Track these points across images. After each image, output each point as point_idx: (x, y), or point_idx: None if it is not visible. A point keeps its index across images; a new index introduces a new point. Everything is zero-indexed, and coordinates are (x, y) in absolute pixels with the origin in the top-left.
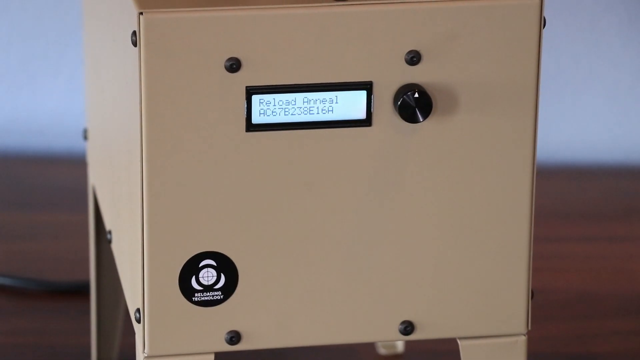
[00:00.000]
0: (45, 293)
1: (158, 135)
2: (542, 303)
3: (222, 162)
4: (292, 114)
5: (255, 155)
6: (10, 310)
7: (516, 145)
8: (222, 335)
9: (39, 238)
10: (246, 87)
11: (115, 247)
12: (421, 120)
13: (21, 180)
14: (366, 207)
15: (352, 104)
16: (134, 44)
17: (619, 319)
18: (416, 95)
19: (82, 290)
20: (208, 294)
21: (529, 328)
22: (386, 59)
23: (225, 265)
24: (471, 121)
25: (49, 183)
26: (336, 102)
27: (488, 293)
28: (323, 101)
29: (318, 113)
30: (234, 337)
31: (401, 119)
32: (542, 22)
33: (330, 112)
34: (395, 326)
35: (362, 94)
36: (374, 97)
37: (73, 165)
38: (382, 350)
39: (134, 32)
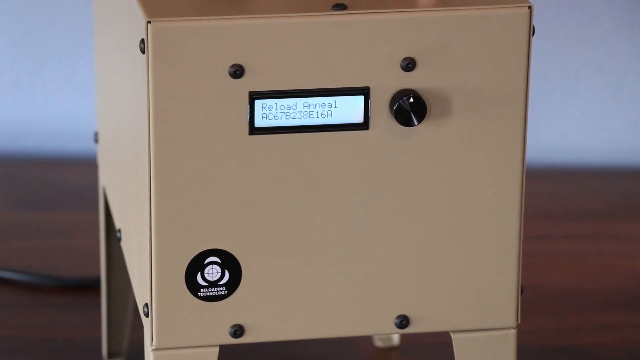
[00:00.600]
0: (58, 288)
1: (165, 138)
2: (530, 298)
3: (226, 163)
4: (293, 118)
5: (257, 158)
6: (25, 304)
7: (506, 147)
8: (227, 328)
9: (52, 236)
10: (249, 92)
11: (125, 244)
12: (416, 124)
13: (35, 181)
14: (364, 207)
15: (350, 109)
16: (142, 51)
17: (603, 313)
18: (411, 100)
19: (93, 286)
20: (213, 289)
21: (519, 322)
22: (382, 66)
23: (229, 262)
24: (464, 125)
25: (62, 184)
26: (335, 107)
27: (480, 288)
28: (322, 106)
29: (318, 117)
30: (238, 331)
31: (397, 123)
32: (532, 31)
33: (329, 116)
34: (391, 320)
35: (360, 99)
36: (371, 102)
37: (84, 167)
38: (379, 343)
39: (142, 40)
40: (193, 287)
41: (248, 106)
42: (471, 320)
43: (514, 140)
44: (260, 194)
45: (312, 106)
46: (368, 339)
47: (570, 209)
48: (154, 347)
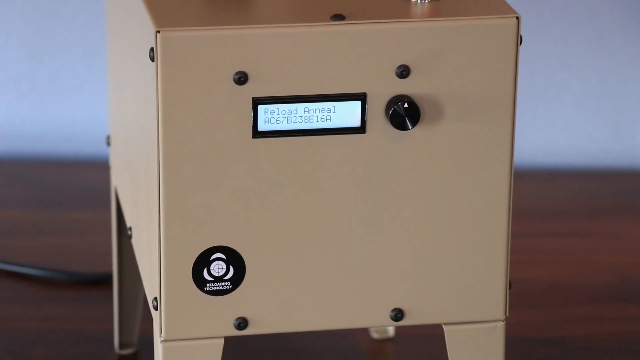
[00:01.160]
0: (73, 283)
1: (173, 141)
2: (518, 292)
3: (231, 165)
4: (294, 122)
5: (260, 160)
6: (42, 298)
7: (495, 150)
8: (231, 321)
9: (68, 234)
10: (253, 98)
11: (135, 242)
12: (410, 128)
13: (52, 182)
14: (361, 206)
15: (348, 113)
16: (152, 59)
17: (586, 306)
18: (406, 105)
19: (105, 281)
20: (218, 284)
21: (507, 314)
22: (378, 73)
23: (233, 258)
24: (455, 129)
25: (76, 185)
26: (334, 112)
27: (470, 283)
28: (322, 110)
29: (317, 121)
30: (242, 323)
31: (392, 127)
32: (519, 40)
33: (328, 121)
34: (387, 313)
35: (357, 104)
36: (367, 107)
37: (97, 169)
38: (375, 335)
39: (152, 49)
40: (199, 281)
41: (251, 111)
42: (462, 313)
43: (502, 143)
44: (263, 194)
45: (312, 111)
46: (365, 331)
47: (555, 208)
48: (162, 339)
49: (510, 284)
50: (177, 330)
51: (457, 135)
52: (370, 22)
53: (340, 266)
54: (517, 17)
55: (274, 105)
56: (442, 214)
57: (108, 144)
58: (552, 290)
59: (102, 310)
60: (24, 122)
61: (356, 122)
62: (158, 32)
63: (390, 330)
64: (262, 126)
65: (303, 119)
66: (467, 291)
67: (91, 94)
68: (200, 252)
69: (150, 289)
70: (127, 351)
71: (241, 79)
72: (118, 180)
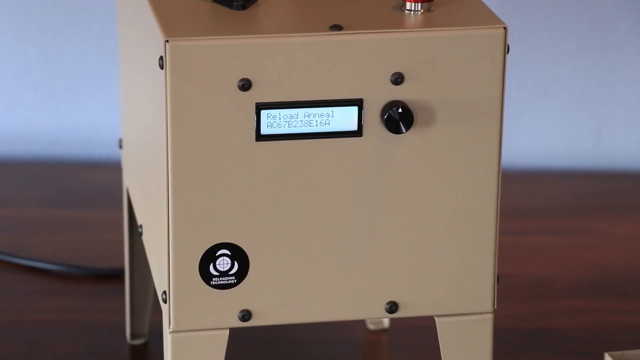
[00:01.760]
0: (87, 277)
1: (181, 144)
2: (505, 286)
3: (235, 167)
4: (295, 126)
5: (263, 162)
6: (59, 291)
7: (484, 152)
8: (236, 313)
9: (83, 231)
10: (256, 103)
11: (146, 239)
12: (404, 131)
13: (67, 183)
14: (358, 205)
15: (345, 118)
16: (161, 67)
17: (569, 299)
18: (400, 110)
19: (117, 275)
20: (223, 278)
21: (495, 307)
22: (374, 80)
23: (238, 254)
24: (446, 132)
25: (91, 185)
26: (332, 116)
27: (460, 278)
28: (321, 115)
29: (317, 125)
30: (246, 315)
31: (387, 131)
32: (506, 49)
33: (327, 125)
34: (382, 306)
35: (354, 109)
36: (364, 112)
37: (110, 170)
38: (371, 326)
39: (161, 57)
40: (206, 276)
41: (255, 116)
42: (453, 305)
43: (490, 146)
44: (265, 193)
45: (311, 116)
46: (361, 323)
47: (539, 207)
48: (171, 330)
49: (498, 279)
50: (185, 322)
51: (448, 138)
52: (367, 32)
53: (338, 262)
54: (505, 28)
55: (276, 110)
56: (434, 212)
57: (120, 146)
58: (537, 284)
59: (115, 303)
60: (42, 126)
61: (353, 126)
62: (167, 41)
63: (385, 322)
64: (264, 130)
65: (303, 123)
66: (458, 285)
67: (104, 100)
68: (207, 248)
69: (160, 283)
70: (138, 341)
71: (245, 85)
72: (129, 181)
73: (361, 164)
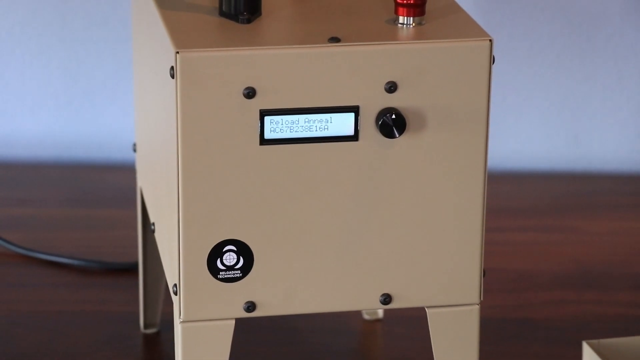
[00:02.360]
0: (103, 271)
1: (191, 148)
2: (491, 279)
3: (241, 169)
4: (296, 131)
5: (267, 164)
6: (78, 284)
7: (471, 155)
8: (241, 305)
9: (99, 228)
10: (260, 110)
11: (158, 235)
12: (397, 136)
13: (85, 184)
14: (354, 204)
15: (343, 124)
16: (172, 76)
17: (550, 292)
18: (393, 116)
19: (132, 269)
20: (230, 272)
21: (482, 299)
22: (369, 88)
23: (243, 250)
24: (437, 137)
25: (107, 186)
26: (330, 122)
27: (450, 271)
28: (320, 121)
29: (316, 130)
30: (250, 307)
31: (382, 135)
32: (492, 60)
33: (326, 130)
34: (377, 297)
35: (351, 116)
36: (360, 118)
37: (125, 172)
38: (367, 317)
39: (172, 67)
40: (213, 270)
41: (259, 121)
42: (442, 297)
43: (477, 149)
44: (269, 193)
45: (311, 121)
46: (357, 313)
47: (522, 207)
48: (181, 320)
49: (484, 272)
50: (194, 312)
51: (438, 142)
52: (362, 44)
53: (336, 257)
54: (490, 40)
55: (278, 116)
56: (425, 211)
57: (134, 150)
58: (520, 277)
59: (129, 295)
60: (62, 131)
61: (350, 131)
62: (177, 52)
63: (380, 313)
64: (268, 135)
65: (304, 128)
66: (447, 278)
67: (119, 107)
68: (214, 244)
69: (171, 277)
70: (150, 330)
71: (250, 93)
72: (143, 181)
73: (357, 166)
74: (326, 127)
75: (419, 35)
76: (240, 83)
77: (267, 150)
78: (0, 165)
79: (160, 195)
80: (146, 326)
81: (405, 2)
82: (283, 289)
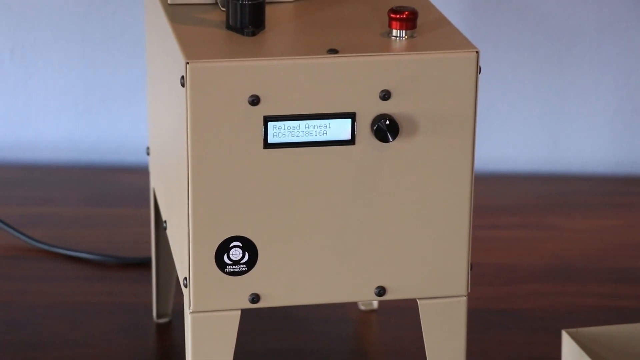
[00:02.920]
0: (119, 265)
1: (200, 151)
2: (477, 273)
3: (246, 171)
4: (297, 136)
5: (270, 166)
6: (95, 277)
7: (459, 158)
8: (246, 296)
9: (115, 226)
10: (264, 116)
11: (169, 232)
12: (391, 140)
13: (102, 184)
14: (351, 204)
15: (340, 129)
16: (182, 85)
17: (531, 284)
18: (387, 122)
19: (145, 264)
20: (236, 266)
21: (469, 291)
22: (365, 96)
23: (248, 246)
24: (427, 141)
25: (122, 187)
26: (329, 127)
27: (439, 266)
28: (320, 126)
29: (316, 135)
30: (255, 298)
31: (376, 140)
32: (478, 70)
33: (325, 134)
34: (372, 290)
35: (348, 121)
36: (356, 124)
37: (139, 174)
38: (362, 307)
39: (182, 77)
40: (221, 264)
41: (263, 127)
42: (432, 289)
43: (464, 153)
44: (272, 193)
45: (311, 127)
46: (354, 305)
47: (506, 206)
48: (191, 310)
49: (472, 266)
50: (202, 303)
51: (429, 146)
52: (359, 55)
53: (334, 252)
54: (477, 52)
55: (281, 122)
56: (417, 209)
57: (147, 153)
58: (504, 271)
59: (143, 287)
60: (81, 137)
61: (347, 136)
62: (187, 63)
63: (375, 304)
64: (271, 139)
65: (304, 133)
66: (437, 272)
67: (134, 113)
68: (222, 240)
69: (181, 270)
70: (162, 320)
71: (254, 101)
72: (155, 182)
73: (354, 168)
74: (325, 132)
75: (411, 47)
76: (245, 91)
77: (270, 153)
78: (24, 167)
79: (172, 195)
80: (158, 316)
81: (398, 16)
82: (285, 282)
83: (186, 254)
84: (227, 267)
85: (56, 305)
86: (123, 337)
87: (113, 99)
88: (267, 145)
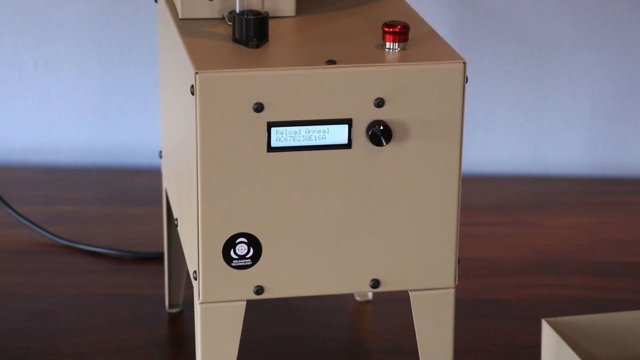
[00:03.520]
0: (134, 259)
1: (208, 154)
2: (464, 266)
3: (251, 173)
4: (298, 140)
5: (273, 168)
6: (113, 271)
7: (448, 161)
8: (251, 288)
9: (131, 223)
10: (267, 122)
11: (180, 229)
12: (385, 144)
13: (119, 185)
14: (348, 203)
15: (338, 134)
16: (192, 93)
17: (514, 277)
18: (381, 127)
19: (158, 258)
20: (241, 261)
21: (456, 283)
22: (361, 103)
23: (253, 242)
24: (418, 145)
25: (137, 187)
26: (328, 132)
27: (429, 260)
28: (319, 131)
29: (316, 139)
30: (259, 290)
31: (371, 144)
32: (465, 79)
33: (323, 139)
34: (367, 282)
35: (345, 127)
36: (353, 129)
37: (152, 176)
38: (358, 298)
39: (192, 86)
40: (228, 259)
41: (266, 132)
42: (423, 282)
43: (452, 156)
44: (275, 193)
45: (311, 132)
46: (350, 296)
47: (491, 205)
48: (200, 301)
49: (459, 261)
50: (211, 295)
51: (420, 150)
52: (355, 66)
53: (332, 247)
54: (464, 63)
55: (283, 127)
56: (409, 208)
57: (160, 157)
58: (489, 265)
59: (156, 280)
60: (99, 141)
61: (344, 140)
62: (197, 73)
63: (370, 295)
64: (274, 143)
65: (305, 137)
66: (427, 266)
67: (148, 120)
68: (228, 237)
69: (191, 265)
70: (174, 310)
71: (258, 108)
72: (167, 183)
73: (350, 170)
74: (324, 136)
75: (403, 59)
76: (250, 99)
77: (273, 156)
78: (47, 169)
79: (182, 195)
80: (170, 306)
81: (391, 30)
82: (287, 275)
83: (196, 249)
84: (234, 261)
85: (77, 296)
86: (138, 326)
87: (128, 107)
88: (270, 149)
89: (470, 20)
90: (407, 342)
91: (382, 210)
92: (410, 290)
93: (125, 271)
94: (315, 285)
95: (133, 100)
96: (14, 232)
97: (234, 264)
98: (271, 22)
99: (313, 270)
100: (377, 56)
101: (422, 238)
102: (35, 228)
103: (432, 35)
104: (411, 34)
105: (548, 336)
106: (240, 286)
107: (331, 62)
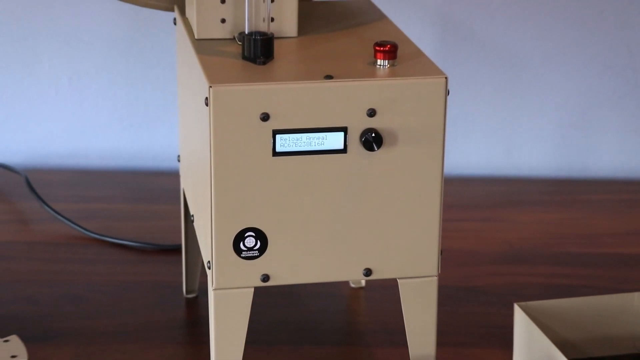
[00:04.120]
0: (156, 251)
1: (220, 158)
2: (446, 257)
3: (258, 174)
4: (300, 146)
5: (278, 171)
6: (136, 261)
7: (431, 164)
8: (258, 277)
9: (153, 219)
10: (272, 130)
11: (196, 224)
12: (376, 150)
13: (143, 185)
14: (344, 201)
15: (335, 140)
16: (206, 104)
17: (488, 266)
18: (373, 135)
19: (177, 250)
20: (250, 252)
21: (439, 272)
22: (355, 113)
23: (260, 235)
24: (405, 150)
25: (158, 187)
26: (326, 139)
27: (415, 251)
28: (318, 138)
29: (315, 145)
30: (265, 278)
31: (364, 149)
32: (447, 92)
33: (322, 145)
34: (360, 271)
35: (341, 134)
36: (348, 136)
37: (172, 177)
38: (353, 285)
39: (206, 98)
40: (237, 250)
41: (272, 138)
42: (410, 270)
43: (436, 160)
44: (279, 193)
45: (312, 138)
46: (345, 283)
47: (469, 203)
48: (213, 288)
49: (442, 252)
50: (223, 282)
51: (407, 154)
52: (350, 80)
53: (330, 240)
54: (446, 77)
55: (286, 134)
56: (397, 205)
57: (178, 160)
58: (467, 255)
59: (175, 268)
60: (125, 147)
61: (341, 146)
62: (210, 86)
63: (363, 282)
64: (279, 148)
65: (306, 143)
66: (413, 256)
67: (168, 127)
68: (238, 231)
69: (205, 255)
70: (190, 295)
71: (265, 117)
72: (185, 184)
73: (346, 172)
74: (322, 142)
75: (392, 74)
76: (257, 109)
77: (278, 160)
78: (79, 172)
79: (198, 194)
80: (187, 292)
81: (382, 49)
82: (290, 265)
83: (209, 242)
84: (243, 252)
85: (105, 283)
86: (159, 309)
87: (151, 116)
88: (275, 153)
89: (452, 40)
90: (395, 324)
91: (373, 207)
92: (399, 278)
93: (148, 261)
94: (315, 273)
95: (154, 111)
96: (51, 227)
97: (243, 255)
98: (276, 42)
99: (313, 260)
100: (369, 72)
101: (409, 232)
102: (69, 223)
103: (418, 53)
104: (399, 52)
105: (520, 319)
106: (249, 275)
107: (329, 77)
